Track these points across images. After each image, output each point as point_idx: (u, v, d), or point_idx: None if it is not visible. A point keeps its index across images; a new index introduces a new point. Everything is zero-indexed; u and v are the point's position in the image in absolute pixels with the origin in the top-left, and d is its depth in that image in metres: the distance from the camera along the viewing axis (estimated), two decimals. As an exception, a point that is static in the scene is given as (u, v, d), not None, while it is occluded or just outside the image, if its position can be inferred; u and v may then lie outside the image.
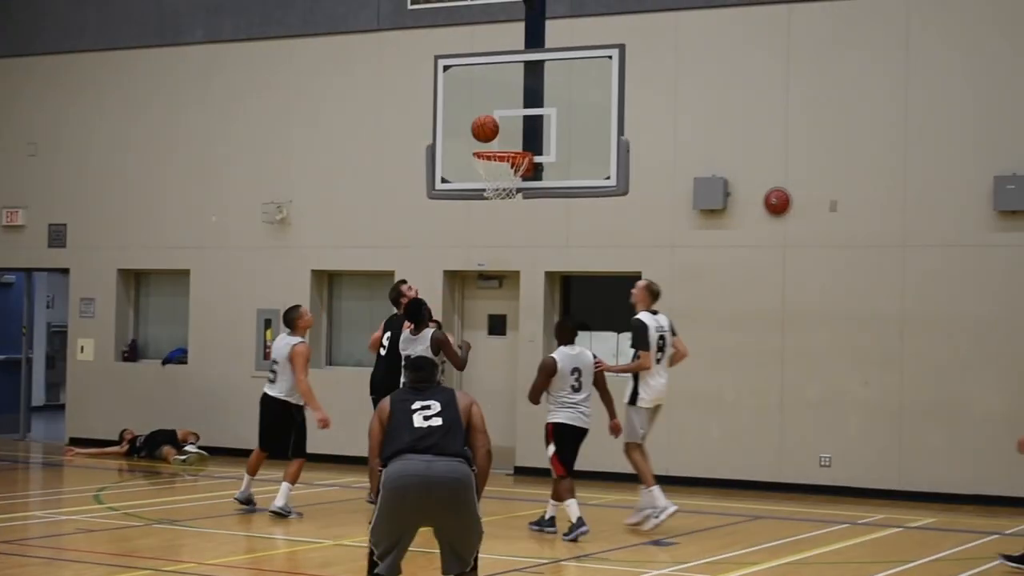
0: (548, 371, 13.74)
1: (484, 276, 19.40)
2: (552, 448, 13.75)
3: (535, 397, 13.92)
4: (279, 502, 14.83)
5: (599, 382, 13.94)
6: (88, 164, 21.92)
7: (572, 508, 13.56)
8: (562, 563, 12.57)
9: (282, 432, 15.04)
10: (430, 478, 8.17)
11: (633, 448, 14.30)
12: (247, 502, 15.16)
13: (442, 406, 8.50)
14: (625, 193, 13.22)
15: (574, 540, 13.37)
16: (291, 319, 15.19)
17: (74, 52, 22.11)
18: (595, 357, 14.18)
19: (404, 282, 15.89)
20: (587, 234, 18.50)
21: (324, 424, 14.89)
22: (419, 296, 15.36)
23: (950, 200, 16.88)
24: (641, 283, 14.71)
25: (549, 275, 18.91)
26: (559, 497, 13.73)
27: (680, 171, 18.02)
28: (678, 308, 17.97)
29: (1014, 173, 16.49)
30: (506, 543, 13.27)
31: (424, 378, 8.76)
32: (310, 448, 17.35)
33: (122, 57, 21.75)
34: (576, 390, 13.73)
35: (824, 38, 17.57)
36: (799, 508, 16.07)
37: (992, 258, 16.67)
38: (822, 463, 17.26)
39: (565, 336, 13.98)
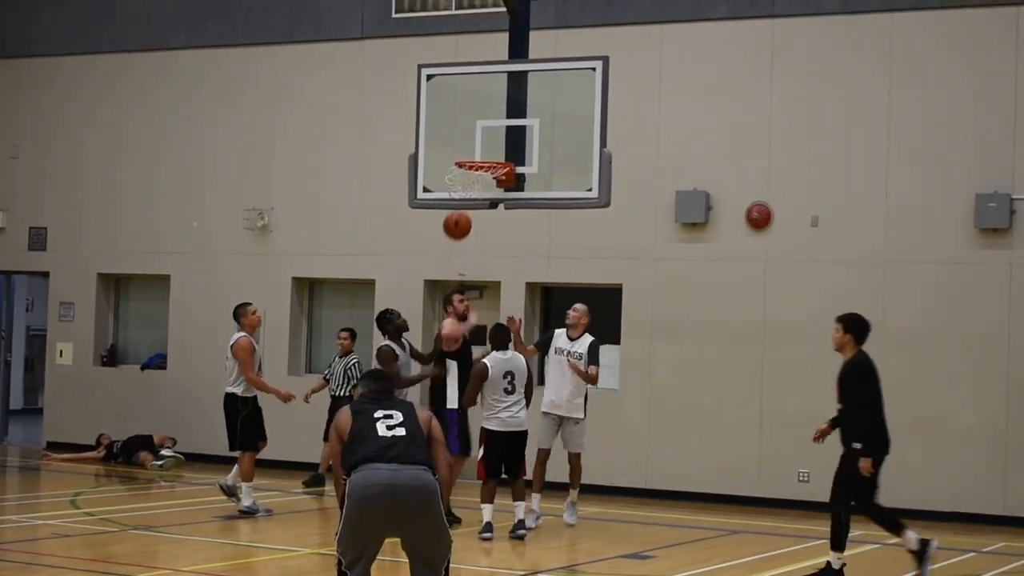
0: (480, 376, 14.19)
1: (465, 286, 19.37)
2: (480, 452, 14.35)
3: (468, 402, 14.43)
4: (245, 502, 15.14)
5: (528, 388, 14.45)
6: (69, 167, 21.86)
7: (485, 512, 14.08)
8: (539, 574, 12.54)
9: (232, 425, 15.34)
10: (396, 487, 8.16)
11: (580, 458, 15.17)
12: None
13: (404, 416, 8.54)
14: (607, 205, 13.20)
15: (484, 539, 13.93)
16: (237, 315, 15.60)
17: (57, 56, 22.05)
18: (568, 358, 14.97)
19: (458, 292, 15.86)
20: (569, 245, 18.49)
21: (287, 398, 15.51)
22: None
23: (932, 217, 16.91)
24: (583, 307, 15.30)
25: (530, 286, 18.91)
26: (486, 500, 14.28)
27: (662, 184, 18.03)
28: (659, 321, 18.03)
29: (996, 191, 16.53)
30: (482, 553, 13.27)
31: (383, 388, 8.81)
32: (288, 456, 17.31)
33: (105, 61, 21.70)
34: (509, 393, 14.22)
35: (808, 53, 17.60)
36: (777, 523, 16.06)
37: (973, 275, 16.69)
38: (800, 478, 17.25)
39: (499, 342, 14.42)
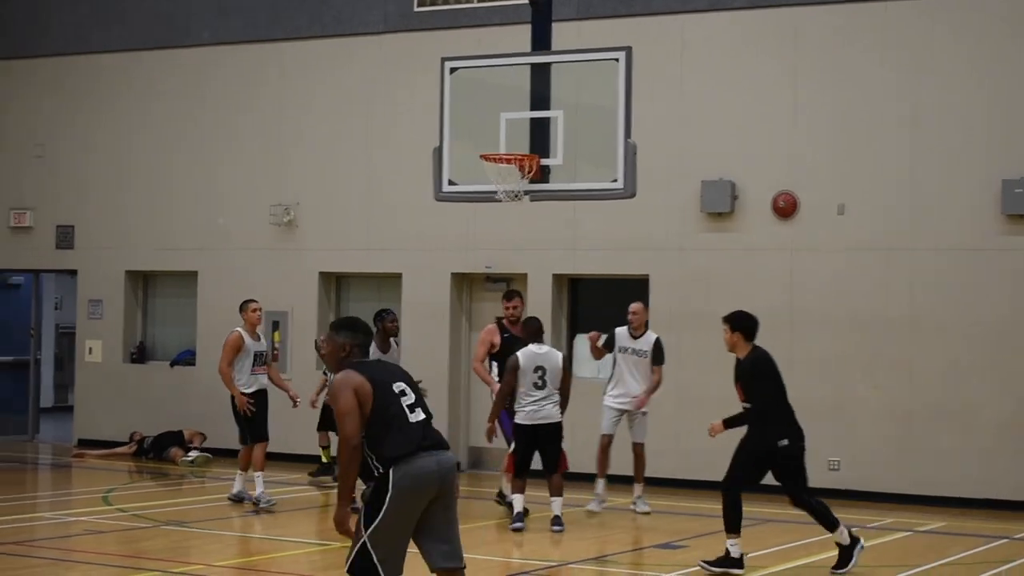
0: (512, 368, 14.15)
1: (491, 279, 19.38)
2: (512, 447, 14.37)
3: (504, 388, 14.26)
4: (257, 490, 15.41)
5: (564, 385, 14.24)
6: (95, 165, 21.93)
7: (516, 502, 14.19)
8: (570, 565, 12.56)
9: (238, 419, 15.67)
10: (442, 473, 8.11)
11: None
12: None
13: (415, 394, 8.28)
14: (632, 196, 13.22)
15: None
16: (240, 310, 15.84)
17: (82, 54, 22.11)
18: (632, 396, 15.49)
19: (512, 293, 15.74)
20: (594, 237, 18.47)
21: (243, 405, 15.40)
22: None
23: (958, 203, 16.85)
24: (640, 305, 15.73)
25: (556, 278, 18.90)
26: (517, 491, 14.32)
27: (687, 174, 17.99)
28: (685, 311, 17.99)
29: (1022, 177, 16.46)
30: (514, 544, 13.28)
31: (367, 343, 8.52)
32: (305, 450, 17.42)
33: (129, 58, 21.76)
34: (539, 387, 14.08)
35: (831, 41, 17.54)
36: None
37: (1000, 261, 16.63)
38: (831, 467, 17.21)
39: (532, 334, 14.40)
